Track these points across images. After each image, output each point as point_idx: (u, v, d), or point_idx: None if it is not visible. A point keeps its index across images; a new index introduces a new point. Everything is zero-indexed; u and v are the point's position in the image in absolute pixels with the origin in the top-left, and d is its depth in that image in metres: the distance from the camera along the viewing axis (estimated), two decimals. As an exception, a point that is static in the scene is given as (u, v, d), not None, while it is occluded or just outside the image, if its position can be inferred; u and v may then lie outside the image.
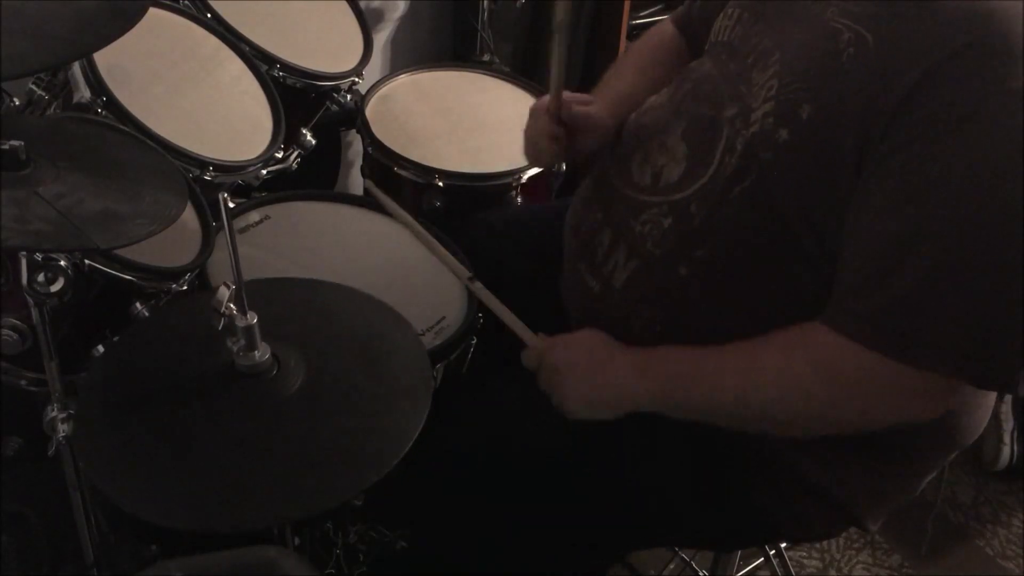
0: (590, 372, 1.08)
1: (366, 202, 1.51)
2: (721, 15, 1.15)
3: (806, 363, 0.96)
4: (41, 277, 1.01)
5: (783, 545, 1.67)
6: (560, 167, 1.71)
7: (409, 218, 1.43)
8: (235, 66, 1.49)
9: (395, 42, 2.24)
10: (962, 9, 0.90)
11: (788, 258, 1.00)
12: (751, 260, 1.03)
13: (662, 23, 1.39)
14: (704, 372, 1.03)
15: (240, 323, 0.94)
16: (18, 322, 1.10)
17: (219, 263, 1.28)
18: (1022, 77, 0.87)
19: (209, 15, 1.50)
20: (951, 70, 0.88)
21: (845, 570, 1.85)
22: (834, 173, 0.94)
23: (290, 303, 1.12)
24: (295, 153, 1.57)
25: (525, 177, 1.63)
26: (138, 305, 1.19)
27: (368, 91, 1.75)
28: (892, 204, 0.91)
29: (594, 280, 1.15)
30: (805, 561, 1.85)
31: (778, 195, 0.99)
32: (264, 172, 1.44)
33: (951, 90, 0.88)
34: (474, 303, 1.33)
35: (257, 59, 1.50)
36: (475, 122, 1.75)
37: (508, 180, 1.62)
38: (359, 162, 1.76)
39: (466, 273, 1.31)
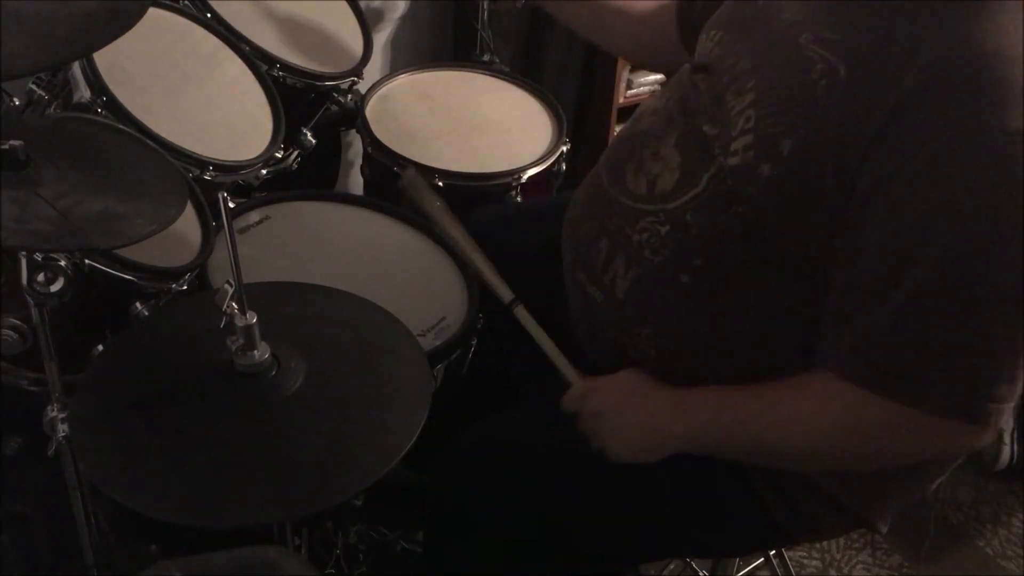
0: (630, 415, 1.08)
1: (366, 202, 1.51)
2: (704, 36, 1.14)
3: (835, 415, 0.98)
4: (41, 277, 1.01)
5: (783, 546, 1.67)
6: (560, 167, 1.71)
7: (457, 226, 1.33)
8: (235, 66, 1.49)
9: (395, 42, 2.24)
10: (933, 44, 0.90)
11: (788, 276, 1.01)
12: (749, 273, 1.03)
13: None
14: (742, 419, 1.04)
15: (240, 323, 0.94)
16: (18, 322, 1.10)
17: (219, 263, 1.28)
18: (1001, 113, 0.86)
19: (209, 15, 1.50)
20: (922, 104, 0.88)
21: (845, 570, 1.85)
22: (821, 202, 0.95)
23: (290, 304, 1.12)
24: (295, 153, 1.57)
25: (525, 177, 1.63)
26: (138, 305, 1.19)
27: (368, 91, 1.75)
28: (879, 241, 0.92)
29: (596, 290, 1.15)
30: (805, 561, 1.85)
31: (769, 225, 0.99)
32: (264, 172, 1.44)
33: (924, 126, 0.88)
34: (475, 303, 1.33)
35: (257, 59, 1.50)
36: (475, 122, 1.75)
37: (508, 180, 1.62)
38: (359, 162, 1.76)
39: (509, 295, 1.23)
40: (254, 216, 1.42)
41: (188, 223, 1.28)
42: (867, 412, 0.95)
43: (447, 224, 1.33)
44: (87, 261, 1.10)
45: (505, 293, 1.24)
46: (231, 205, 0.92)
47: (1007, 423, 2.01)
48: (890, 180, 0.90)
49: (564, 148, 1.71)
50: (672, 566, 1.74)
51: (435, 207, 1.35)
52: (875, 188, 0.91)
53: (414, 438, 0.95)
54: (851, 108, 0.92)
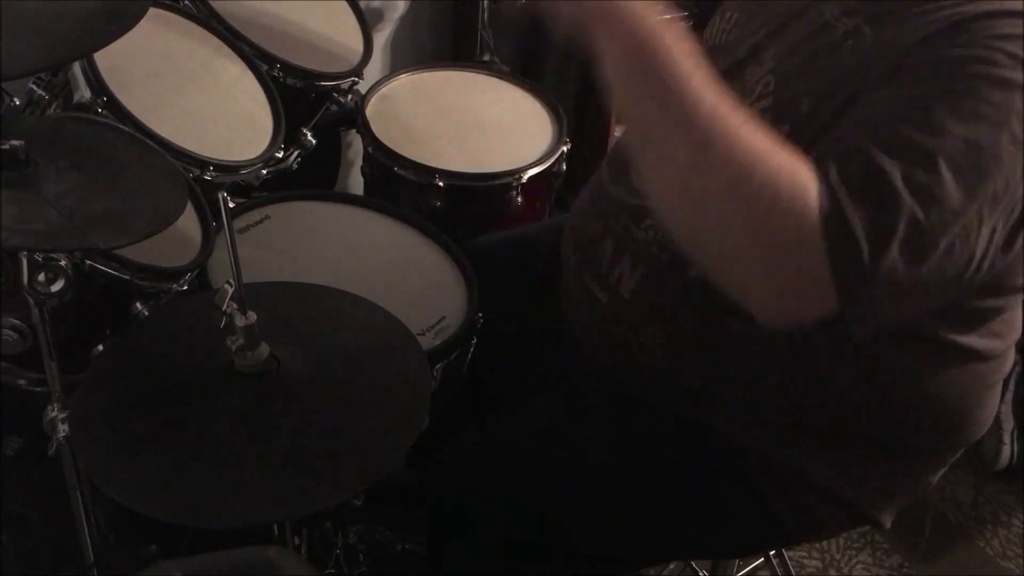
0: None
1: (366, 202, 1.51)
2: (718, 17, 1.14)
3: (792, 193, 0.82)
4: (41, 277, 1.01)
5: (786, 546, 1.67)
6: (561, 167, 1.71)
7: None
8: (235, 66, 1.49)
9: (395, 42, 2.24)
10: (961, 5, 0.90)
11: None
12: None
13: None
14: (694, 91, 0.84)
15: (240, 323, 0.94)
16: (18, 322, 1.10)
17: (219, 263, 1.28)
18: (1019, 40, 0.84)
19: (209, 15, 1.50)
20: (942, 35, 0.86)
21: (845, 570, 1.85)
22: None
23: (290, 304, 1.12)
24: (295, 153, 1.57)
25: (525, 177, 1.63)
26: (138, 305, 1.19)
27: (368, 91, 1.75)
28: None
29: (601, 291, 1.14)
30: (805, 561, 1.85)
31: None
32: (264, 172, 1.43)
33: (952, 39, 0.86)
34: (474, 302, 1.33)
35: (257, 59, 1.50)
36: (475, 122, 1.75)
37: (508, 180, 1.62)
38: (359, 162, 1.76)
39: None
40: (254, 216, 1.42)
41: (188, 223, 1.28)
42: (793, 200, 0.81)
43: None
44: (87, 261, 1.10)
45: None
46: (231, 205, 0.92)
47: (1007, 422, 2.01)
48: (892, 83, 0.87)
49: (564, 148, 1.71)
50: (672, 566, 1.74)
51: None
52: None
53: (414, 438, 0.95)
54: (874, 57, 0.91)
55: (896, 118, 0.84)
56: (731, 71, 1.05)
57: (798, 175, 0.82)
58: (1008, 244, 0.87)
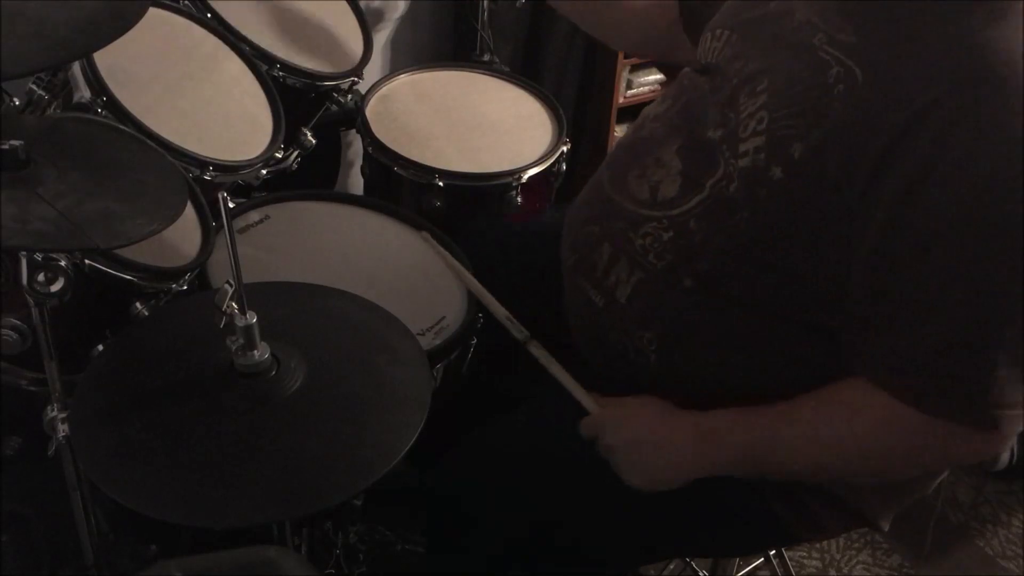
0: (652, 454, 1.07)
1: (366, 202, 1.51)
2: (709, 35, 1.14)
3: (869, 428, 0.98)
4: (41, 277, 1.01)
5: (785, 545, 1.67)
6: (561, 167, 1.71)
7: (467, 275, 1.36)
8: (235, 66, 1.49)
9: (395, 42, 2.24)
10: (953, 47, 0.90)
11: (792, 281, 1.00)
12: (753, 278, 1.02)
13: None
14: (772, 445, 1.03)
15: (240, 322, 0.94)
16: (18, 322, 1.10)
17: (219, 263, 1.28)
18: (1020, 116, 0.86)
19: (209, 15, 1.50)
20: (943, 112, 0.88)
21: (845, 570, 1.85)
22: (829, 207, 0.94)
23: (290, 304, 1.12)
24: (295, 153, 1.57)
25: (525, 177, 1.63)
26: (138, 305, 1.18)
27: (368, 91, 1.75)
28: (905, 255, 0.92)
29: (598, 295, 1.14)
30: (805, 561, 1.85)
31: (775, 230, 0.99)
32: (264, 172, 1.43)
33: (945, 133, 0.88)
34: (474, 303, 1.33)
35: (257, 59, 1.50)
36: (475, 122, 1.75)
37: (508, 180, 1.62)
38: (359, 162, 1.76)
39: (524, 333, 1.24)
40: (254, 216, 1.42)
41: (188, 223, 1.28)
42: (902, 424, 0.95)
43: (460, 273, 1.36)
44: (87, 261, 1.10)
45: (519, 331, 1.24)
46: (231, 205, 0.92)
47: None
48: (911, 190, 0.89)
49: (564, 148, 1.71)
50: (672, 566, 1.74)
51: (449, 261, 1.38)
52: (896, 198, 0.90)
53: (414, 438, 0.95)
54: (868, 111, 0.92)
55: (947, 329, 0.92)
56: (725, 102, 1.04)
57: (852, 397, 0.99)
58: None
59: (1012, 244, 0.87)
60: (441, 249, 1.41)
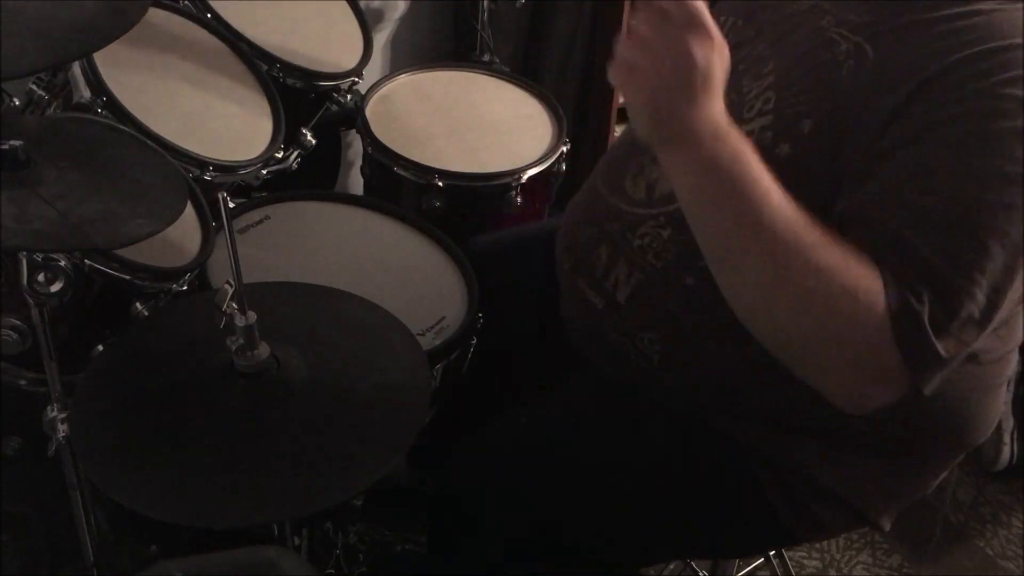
0: (675, 104, 0.85)
1: (366, 202, 1.51)
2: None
3: (841, 292, 0.87)
4: (41, 277, 1.01)
5: (786, 546, 1.67)
6: (561, 167, 1.71)
7: None
8: (235, 66, 1.49)
9: (395, 42, 2.24)
10: (961, 24, 0.90)
11: None
12: None
13: None
14: (760, 195, 0.87)
15: (240, 322, 0.94)
16: (18, 322, 1.10)
17: (219, 263, 1.28)
18: (1020, 82, 0.86)
19: (209, 15, 1.50)
20: (944, 79, 0.88)
21: (845, 570, 1.85)
22: (837, 182, 0.94)
23: (290, 304, 1.12)
24: (295, 153, 1.57)
25: (525, 177, 1.63)
26: (138, 305, 1.19)
27: (368, 91, 1.75)
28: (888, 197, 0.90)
29: (597, 296, 1.14)
30: (805, 561, 1.85)
31: None
32: (264, 172, 1.43)
33: (942, 96, 0.88)
34: (474, 303, 1.33)
35: (257, 59, 1.50)
36: (475, 122, 1.75)
37: (508, 180, 1.62)
38: (359, 162, 1.76)
39: None
40: (254, 216, 1.42)
41: (188, 223, 1.28)
42: (869, 316, 0.86)
43: None
44: (87, 261, 1.10)
45: None
46: (231, 205, 0.92)
47: (1007, 422, 2.01)
48: (910, 145, 0.89)
49: (564, 148, 1.71)
50: (672, 566, 1.74)
51: None
52: (891, 152, 0.90)
53: (414, 438, 0.95)
54: (877, 87, 0.92)
55: (933, 201, 0.88)
56: (729, 84, 1.04)
57: (868, 282, 0.87)
58: None
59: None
60: None
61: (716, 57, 0.85)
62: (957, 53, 0.89)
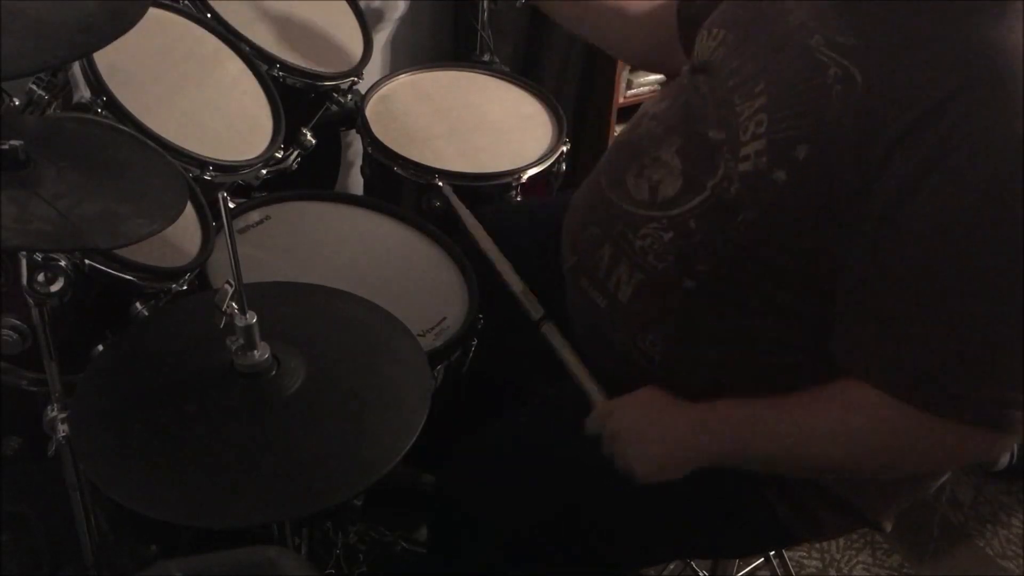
0: (651, 433, 1.07)
1: (366, 202, 1.51)
2: (705, 33, 1.13)
3: (867, 425, 0.97)
4: (41, 277, 1.01)
5: (786, 546, 1.67)
6: (561, 167, 1.71)
7: (491, 247, 1.35)
8: (235, 66, 1.49)
9: (395, 42, 2.24)
10: (956, 47, 0.90)
11: (793, 281, 1.00)
12: (754, 278, 1.02)
13: None
14: (763, 431, 1.03)
15: (240, 323, 0.94)
16: (18, 322, 1.10)
17: (219, 263, 1.28)
18: (1021, 117, 0.86)
19: (209, 15, 1.50)
20: (944, 114, 0.87)
21: (845, 570, 1.85)
22: (838, 207, 0.93)
23: (290, 304, 1.12)
24: (295, 153, 1.57)
25: (525, 177, 1.63)
26: (138, 305, 1.18)
27: (368, 91, 1.75)
28: (904, 250, 0.91)
29: (599, 295, 1.14)
30: (805, 561, 1.85)
31: (777, 232, 0.98)
32: (264, 172, 1.43)
33: (949, 133, 0.87)
34: (475, 303, 1.33)
35: (257, 59, 1.50)
36: (475, 122, 1.75)
37: (508, 180, 1.62)
38: (359, 162, 1.76)
39: (540, 311, 1.23)
40: (254, 216, 1.42)
41: (188, 223, 1.28)
42: (900, 422, 0.95)
43: (480, 238, 1.35)
44: (87, 261, 1.10)
45: (535, 310, 1.24)
46: (231, 205, 0.92)
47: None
48: (913, 190, 0.89)
49: (564, 148, 1.71)
50: (672, 566, 1.74)
51: (471, 222, 1.36)
52: (898, 198, 0.90)
53: (414, 438, 0.95)
54: (870, 115, 0.91)
55: (944, 333, 0.92)
56: (720, 104, 1.04)
57: (850, 413, 0.98)
58: None
59: (1014, 244, 0.87)
60: (463, 208, 1.42)
61: (617, 420, 1.09)
62: (954, 83, 0.88)
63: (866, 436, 0.98)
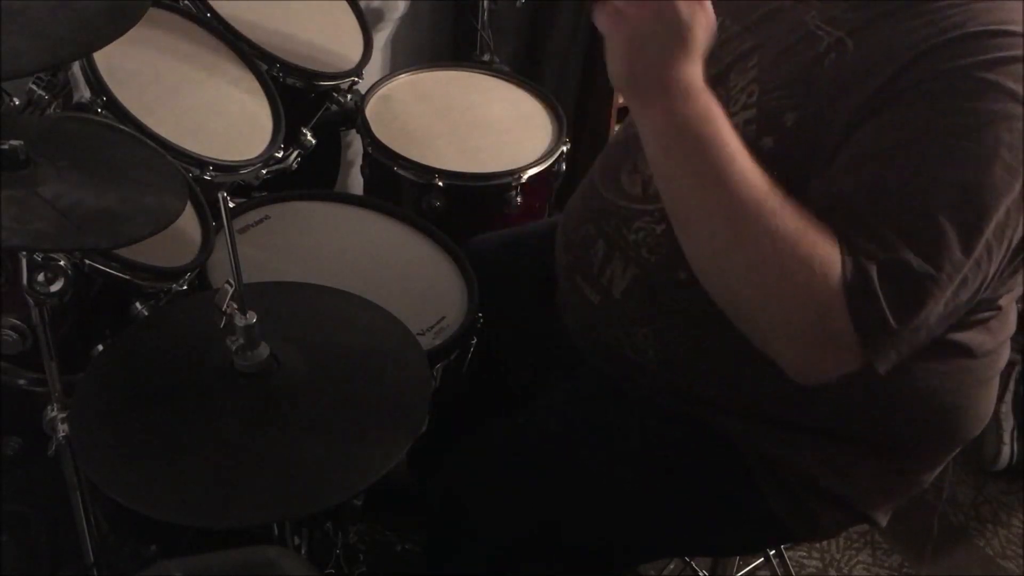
0: (652, 55, 0.87)
1: (366, 202, 1.51)
2: None
3: (797, 260, 0.87)
4: (41, 277, 1.01)
5: (784, 544, 1.67)
6: (561, 167, 1.71)
7: None
8: (235, 66, 1.49)
9: (395, 42, 2.24)
10: (939, 12, 0.90)
11: None
12: None
13: None
14: (733, 181, 0.88)
15: (240, 323, 0.94)
16: (18, 322, 1.10)
17: (219, 263, 1.28)
18: (1003, 72, 0.86)
19: (209, 15, 1.50)
20: (919, 64, 0.88)
21: (845, 570, 1.85)
22: (819, 172, 0.94)
23: (290, 304, 1.12)
24: (295, 153, 1.57)
25: (525, 177, 1.63)
26: (138, 305, 1.19)
27: (368, 91, 1.75)
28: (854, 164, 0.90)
29: (593, 292, 1.14)
30: (805, 561, 1.85)
31: None
32: (264, 172, 1.44)
33: (916, 77, 0.88)
34: (474, 302, 1.33)
35: (257, 59, 1.50)
36: (475, 122, 1.75)
37: (508, 180, 1.62)
38: (359, 162, 1.76)
39: None
40: (254, 216, 1.42)
41: (188, 223, 1.28)
42: (824, 286, 0.87)
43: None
44: (87, 261, 1.10)
45: None
46: (231, 205, 0.92)
47: (1007, 422, 2.01)
48: (881, 114, 0.89)
49: (564, 148, 1.71)
50: (672, 566, 1.74)
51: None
52: (860, 124, 0.90)
53: (414, 438, 0.95)
54: (855, 77, 0.92)
55: (892, 175, 0.88)
56: (715, 77, 1.04)
57: (825, 251, 0.87)
58: (1014, 257, 0.92)
59: (984, 165, 0.86)
60: None
61: (701, 16, 0.87)
62: (934, 39, 0.89)
63: (788, 264, 0.88)
